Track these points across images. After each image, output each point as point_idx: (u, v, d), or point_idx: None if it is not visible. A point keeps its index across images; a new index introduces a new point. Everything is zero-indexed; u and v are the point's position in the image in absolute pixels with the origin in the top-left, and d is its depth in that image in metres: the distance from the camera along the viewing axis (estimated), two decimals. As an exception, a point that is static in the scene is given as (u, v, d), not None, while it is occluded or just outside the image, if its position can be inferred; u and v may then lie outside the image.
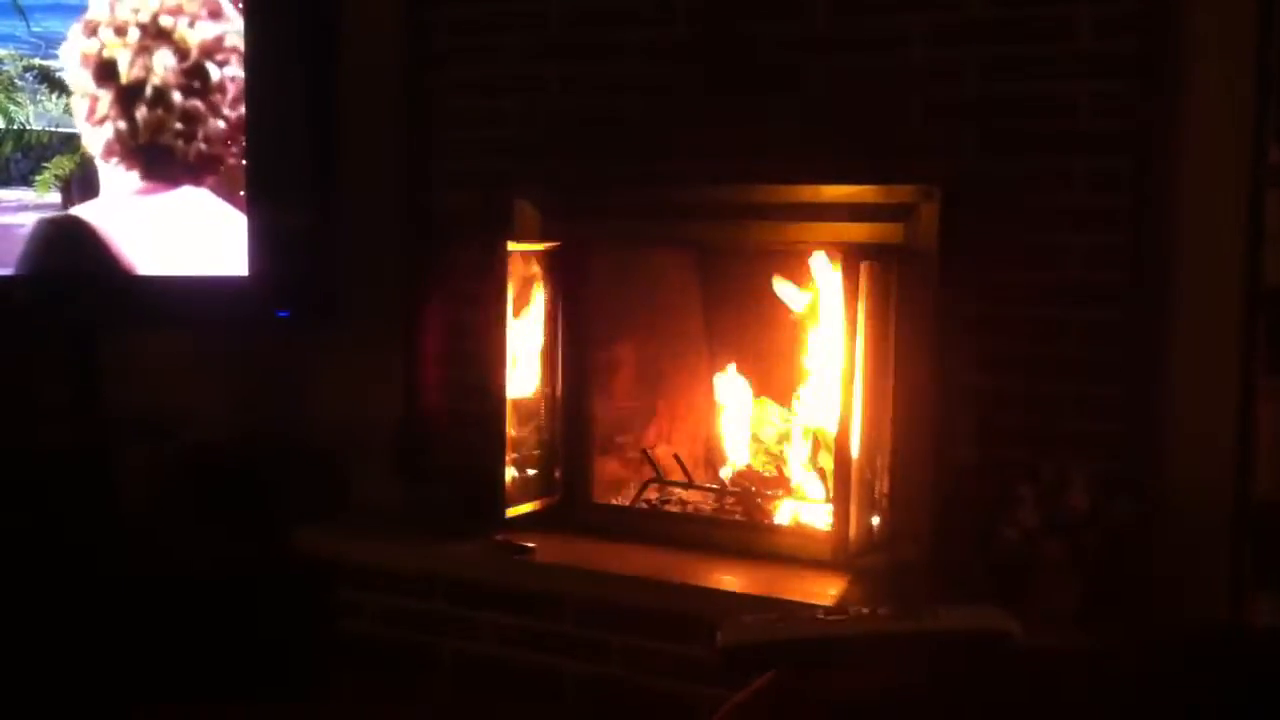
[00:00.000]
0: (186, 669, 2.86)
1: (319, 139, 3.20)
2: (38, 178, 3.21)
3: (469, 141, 3.28)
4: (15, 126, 3.21)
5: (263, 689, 2.85)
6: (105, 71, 3.13)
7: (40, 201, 3.22)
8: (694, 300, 3.34)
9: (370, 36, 3.32)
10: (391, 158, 3.35)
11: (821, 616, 1.57)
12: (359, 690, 2.93)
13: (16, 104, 3.20)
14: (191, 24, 3.12)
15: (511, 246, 3.01)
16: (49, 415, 3.27)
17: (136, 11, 3.13)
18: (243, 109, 3.13)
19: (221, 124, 3.13)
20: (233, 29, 3.13)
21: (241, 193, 3.15)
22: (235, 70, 3.12)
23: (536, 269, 3.10)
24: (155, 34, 3.11)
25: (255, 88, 3.13)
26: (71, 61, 3.15)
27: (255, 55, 3.13)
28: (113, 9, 3.13)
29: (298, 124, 3.17)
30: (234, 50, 3.12)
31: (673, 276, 3.32)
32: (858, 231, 2.82)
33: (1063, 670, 1.44)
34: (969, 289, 2.75)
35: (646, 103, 3.07)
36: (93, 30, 3.14)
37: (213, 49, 3.12)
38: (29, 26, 3.18)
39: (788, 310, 3.09)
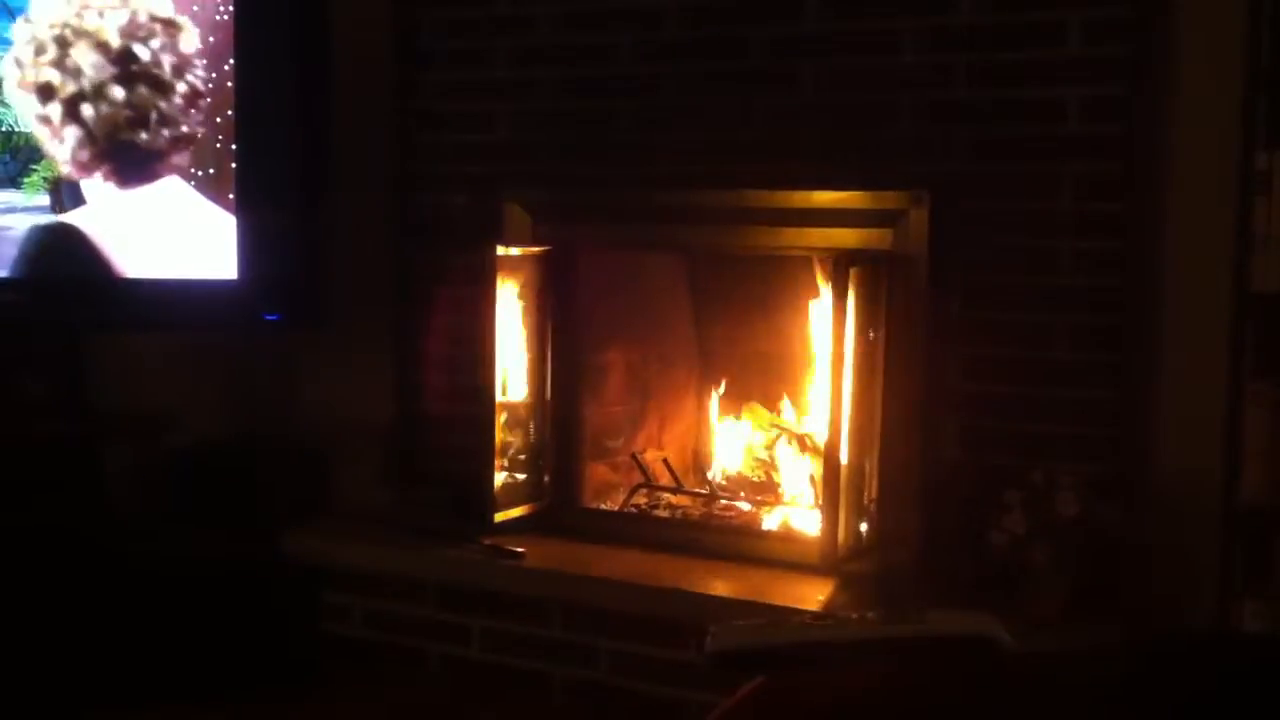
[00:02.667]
0: (170, 669, 2.84)
1: (309, 141, 3.19)
2: (26, 180, 3.19)
3: (459, 144, 3.27)
4: (3, 128, 3.20)
5: (247, 690, 2.84)
6: (46, 92, 3.12)
7: (29, 204, 3.20)
8: (684, 304, 3.33)
9: (360, 38, 3.32)
10: (382, 160, 3.35)
11: (810, 621, 1.57)
12: (346, 692, 2.91)
13: (4, 105, 3.18)
14: (101, 15, 3.10)
15: (501, 251, 3.01)
16: (38, 414, 3.26)
17: (51, 26, 3.11)
18: (189, 77, 3.10)
19: (176, 99, 3.10)
20: (144, 3, 3.10)
21: (231, 195, 3.14)
22: (161, 40, 3.09)
23: (526, 273, 3.10)
24: (70, 40, 3.10)
25: (245, 90, 3.12)
26: (14, 93, 3.14)
27: (245, 57, 3.12)
28: (29, 31, 3.12)
29: (287, 126, 3.16)
30: (156, 22, 3.10)
31: (663, 281, 3.32)
32: (847, 237, 2.82)
33: (1050, 674, 1.44)
34: (958, 294, 2.75)
35: (636, 106, 3.07)
36: (17, 60, 3.13)
37: (131, 31, 3.10)
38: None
39: (775, 315, 3.09)
